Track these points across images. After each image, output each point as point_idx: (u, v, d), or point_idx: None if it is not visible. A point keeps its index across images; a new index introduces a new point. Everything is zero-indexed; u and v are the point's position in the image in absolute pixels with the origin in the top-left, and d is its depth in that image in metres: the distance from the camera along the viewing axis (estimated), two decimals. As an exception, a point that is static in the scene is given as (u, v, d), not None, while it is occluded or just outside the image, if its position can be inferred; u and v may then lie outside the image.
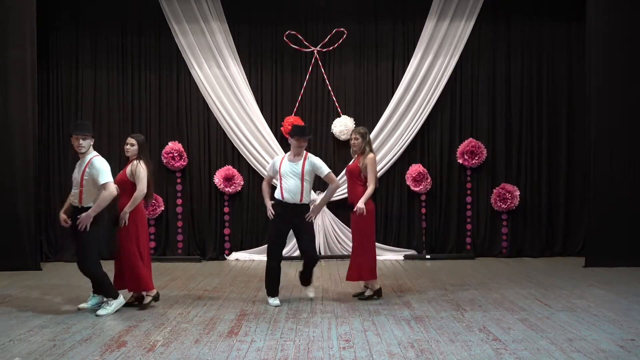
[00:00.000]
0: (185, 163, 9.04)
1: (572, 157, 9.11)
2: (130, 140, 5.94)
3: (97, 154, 5.70)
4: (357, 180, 6.12)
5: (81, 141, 5.57)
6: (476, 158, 9.01)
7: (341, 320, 5.39)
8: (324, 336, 4.88)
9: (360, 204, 5.97)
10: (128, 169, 5.80)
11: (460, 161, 9.08)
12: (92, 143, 5.70)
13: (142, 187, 5.71)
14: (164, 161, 9.03)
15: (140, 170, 5.73)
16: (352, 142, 6.19)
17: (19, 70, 8.09)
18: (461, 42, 9.07)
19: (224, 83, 9.06)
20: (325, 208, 9.07)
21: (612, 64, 8.10)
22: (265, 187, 6.23)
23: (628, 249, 8.00)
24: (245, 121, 9.07)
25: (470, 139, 9.08)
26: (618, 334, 4.85)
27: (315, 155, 9.27)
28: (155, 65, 9.18)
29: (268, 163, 9.04)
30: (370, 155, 6.05)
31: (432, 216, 9.19)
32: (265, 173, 9.07)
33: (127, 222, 5.68)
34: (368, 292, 6.22)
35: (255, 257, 9.02)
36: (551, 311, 5.63)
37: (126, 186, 5.78)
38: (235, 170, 9.11)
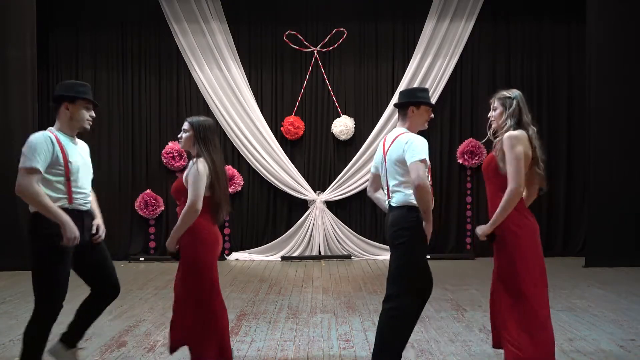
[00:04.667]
0: (185, 163, 9.03)
1: (572, 157, 9.11)
2: (185, 125, 3.91)
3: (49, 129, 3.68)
4: (494, 182, 3.64)
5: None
6: (476, 158, 9.00)
7: (341, 320, 5.39)
8: (324, 336, 4.88)
9: (489, 225, 3.56)
10: (186, 171, 3.90)
11: (460, 161, 9.08)
12: (59, 111, 3.69)
13: (193, 199, 3.72)
14: (164, 161, 9.03)
15: (193, 171, 3.73)
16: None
17: (19, 70, 8.09)
18: (461, 42, 9.06)
19: (223, 83, 9.06)
20: (325, 208, 9.08)
21: (612, 64, 8.09)
22: None
23: (628, 249, 7.99)
24: (245, 121, 9.07)
25: (470, 139, 9.07)
26: (618, 334, 4.85)
27: (315, 154, 9.44)
28: (155, 65, 9.18)
29: (268, 163, 9.07)
30: (511, 132, 3.49)
31: (432, 216, 9.15)
32: (268, 174, 9.20)
33: (172, 250, 3.87)
34: None
35: (255, 257, 9.02)
36: (551, 311, 5.60)
37: (183, 198, 3.88)
38: (235, 170, 9.11)
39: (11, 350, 4.57)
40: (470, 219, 9.17)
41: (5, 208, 8.00)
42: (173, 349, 3.86)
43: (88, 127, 3.72)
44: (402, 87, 9.00)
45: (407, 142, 3.66)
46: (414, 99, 3.83)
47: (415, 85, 8.97)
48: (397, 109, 3.96)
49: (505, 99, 3.63)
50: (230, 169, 9.09)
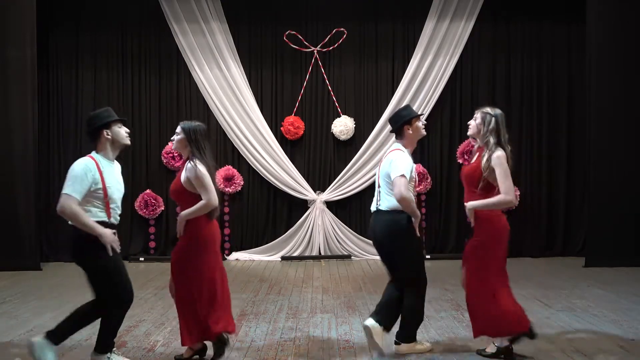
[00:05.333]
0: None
1: (572, 157, 9.11)
2: (177, 128, 4.28)
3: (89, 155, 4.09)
4: (473, 188, 4.32)
5: None
6: (476, 158, 8.99)
7: (341, 320, 5.39)
8: (324, 336, 4.88)
9: (470, 205, 4.33)
10: (183, 173, 4.15)
11: (460, 161, 9.07)
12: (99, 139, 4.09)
13: (209, 195, 4.05)
14: (164, 161, 9.03)
15: (199, 173, 4.06)
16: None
17: (19, 70, 8.09)
18: (461, 42, 9.06)
19: (224, 83, 9.06)
20: (325, 208, 9.09)
21: (612, 64, 8.09)
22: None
23: (628, 249, 7.99)
24: (245, 121, 9.07)
25: (471, 138, 9.05)
26: (618, 334, 4.85)
27: (315, 154, 9.44)
28: (155, 65, 9.19)
29: (268, 163, 9.07)
30: (498, 151, 4.13)
31: (432, 216, 9.19)
32: (268, 174, 9.19)
33: (182, 233, 4.16)
34: (490, 348, 4.33)
35: (255, 257, 9.02)
36: (551, 311, 5.63)
37: (183, 199, 4.17)
38: (235, 170, 9.11)
39: (11, 350, 4.57)
40: (470, 219, 9.16)
41: (5, 208, 8.01)
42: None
43: (129, 142, 4.18)
44: (402, 87, 9.03)
45: (392, 160, 4.28)
46: (405, 119, 4.40)
47: (415, 85, 8.99)
48: (392, 129, 4.53)
49: (486, 114, 4.22)
50: (230, 169, 9.09)
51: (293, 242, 9.08)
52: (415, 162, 9.82)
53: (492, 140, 4.16)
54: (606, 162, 8.10)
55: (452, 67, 9.08)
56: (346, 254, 9.00)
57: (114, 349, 4.11)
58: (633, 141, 8.11)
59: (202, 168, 4.07)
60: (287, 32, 9.17)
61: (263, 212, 9.28)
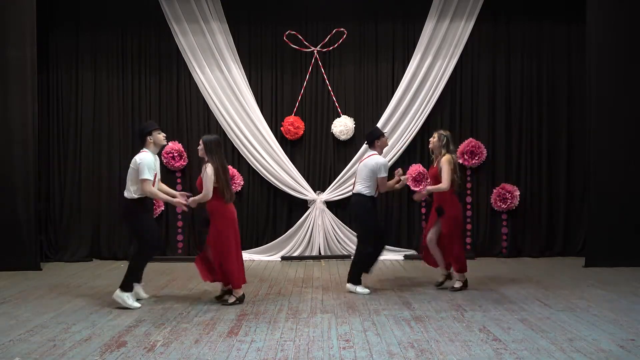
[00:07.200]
0: (185, 163, 9.04)
1: (572, 157, 9.10)
2: (200, 141, 6.05)
3: (143, 151, 6.03)
4: (438, 183, 6.46)
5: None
6: (476, 158, 9.00)
7: (341, 320, 5.39)
8: (324, 336, 4.89)
9: (424, 190, 6.60)
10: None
11: (460, 161, 9.06)
12: (145, 142, 6.04)
13: (206, 191, 5.82)
14: (164, 161, 9.01)
15: (204, 174, 5.84)
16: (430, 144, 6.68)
17: (19, 70, 8.07)
18: (461, 42, 9.06)
19: (223, 83, 9.06)
20: (325, 208, 9.10)
21: (612, 64, 8.08)
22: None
23: (628, 249, 7.98)
24: (245, 121, 9.07)
25: (470, 139, 9.07)
26: (618, 334, 4.86)
27: (315, 154, 9.46)
28: (155, 66, 9.17)
29: (268, 163, 9.08)
30: (446, 156, 6.39)
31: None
32: (268, 174, 9.20)
33: (190, 204, 6.02)
34: (457, 284, 6.63)
35: (255, 257, 9.02)
36: (551, 311, 5.63)
37: (201, 189, 5.95)
38: (235, 170, 9.11)
39: (11, 350, 4.57)
40: (470, 219, 9.17)
41: (5, 208, 8.01)
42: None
43: (166, 142, 6.27)
44: (402, 87, 9.02)
45: (377, 162, 6.46)
46: (375, 136, 6.64)
47: (415, 85, 8.99)
48: (367, 142, 6.76)
49: (441, 134, 6.52)
50: (230, 169, 9.07)
51: (293, 242, 9.08)
52: (415, 162, 9.87)
53: (443, 151, 6.44)
54: (606, 162, 8.10)
55: (452, 67, 9.07)
56: (346, 254, 9.00)
57: (132, 292, 5.93)
58: (633, 141, 8.11)
59: (209, 171, 5.79)
60: (287, 32, 9.17)
61: (263, 212, 9.28)
